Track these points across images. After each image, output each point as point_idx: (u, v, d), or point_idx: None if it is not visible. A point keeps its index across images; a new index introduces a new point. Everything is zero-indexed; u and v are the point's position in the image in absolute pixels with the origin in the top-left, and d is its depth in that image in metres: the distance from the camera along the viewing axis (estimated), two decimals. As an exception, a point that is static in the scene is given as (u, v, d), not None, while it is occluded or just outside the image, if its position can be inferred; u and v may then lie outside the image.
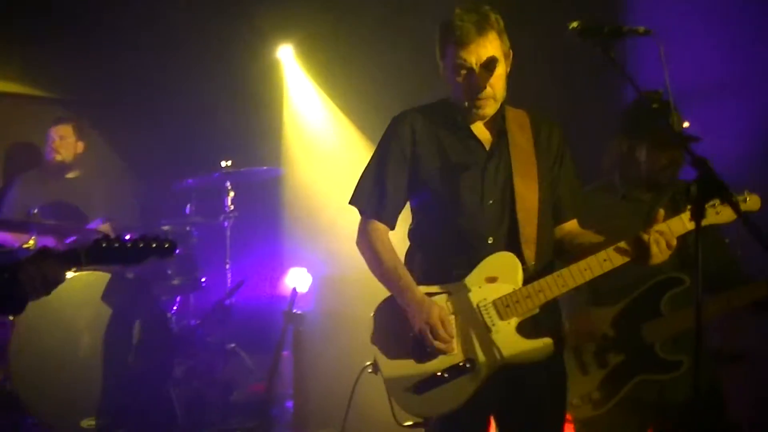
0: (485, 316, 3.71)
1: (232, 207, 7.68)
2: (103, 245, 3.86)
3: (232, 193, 7.68)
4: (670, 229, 3.63)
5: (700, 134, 4.37)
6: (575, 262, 3.74)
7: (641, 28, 3.35)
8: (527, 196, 3.84)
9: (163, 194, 7.99)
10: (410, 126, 3.96)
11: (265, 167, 8.04)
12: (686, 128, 4.64)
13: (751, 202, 3.94)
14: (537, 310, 3.72)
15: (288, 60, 9.03)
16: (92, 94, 8.46)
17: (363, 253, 3.98)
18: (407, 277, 3.80)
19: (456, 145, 3.91)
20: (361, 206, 3.99)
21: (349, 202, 4.02)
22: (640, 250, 3.62)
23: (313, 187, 8.85)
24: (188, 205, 7.68)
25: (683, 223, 3.67)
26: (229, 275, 7.71)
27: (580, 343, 4.41)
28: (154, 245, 3.94)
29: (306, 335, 7.09)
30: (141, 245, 3.92)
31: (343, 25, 8.42)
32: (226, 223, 7.71)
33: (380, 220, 3.94)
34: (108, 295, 6.40)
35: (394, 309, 3.79)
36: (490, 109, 3.86)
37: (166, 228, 7.34)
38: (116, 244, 3.88)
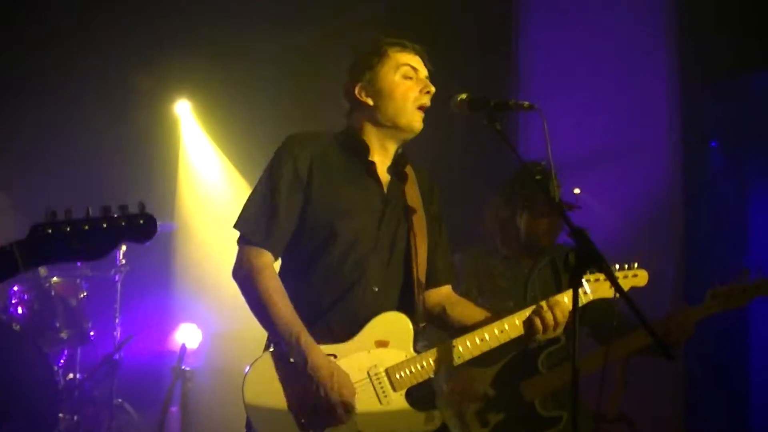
0: (377, 385, 3.47)
1: (123, 261, 7.62)
2: (48, 232, 2.65)
3: (123, 247, 7.61)
4: (559, 304, 3.56)
5: (583, 202, 4.56)
6: (464, 332, 3.62)
7: (526, 103, 3.43)
8: (421, 253, 3.68)
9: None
10: (309, 149, 3.63)
11: (158, 222, 8.01)
12: (577, 194, 4.83)
13: (639, 277, 3.93)
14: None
15: (185, 115, 9.06)
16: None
17: (247, 288, 3.52)
18: (306, 333, 3.40)
19: (353, 180, 3.65)
20: (248, 231, 3.57)
21: (234, 226, 3.59)
22: (530, 325, 3.53)
23: (206, 243, 8.84)
24: (79, 258, 7.57)
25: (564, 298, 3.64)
26: (118, 329, 7.62)
27: (461, 403, 4.49)
28: (124, 223, 2.75)
29: (194, 392, 7.05)
30: (104, 225, 2.72)
31: (239, 83, 8.51)
32: (117, 277, 7.65)
33: (267, 248, 3.54)
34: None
35: (275, 368, 3.44)
36: (420, 123, 3.66)
37: (55, 280, 7.24)
38: (67, 229, 2.65)
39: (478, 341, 3.55)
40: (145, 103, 8.63)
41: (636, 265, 3.94)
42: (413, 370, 3.50)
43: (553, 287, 4.65)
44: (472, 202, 5.29)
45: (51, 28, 8.01)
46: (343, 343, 3.49)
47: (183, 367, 6.91)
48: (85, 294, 7.45)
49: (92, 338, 7.37)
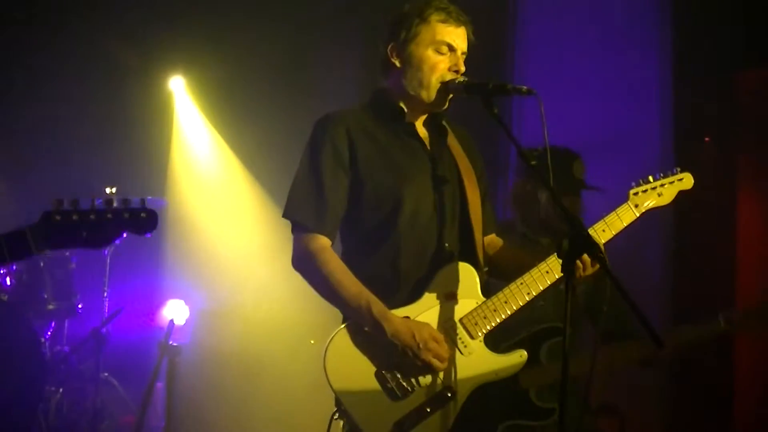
0: (454, 337, 3.50)
1: (113, 235, 7.61)
2: (57, 219, 2.91)
3: (115, 222, 7.60)
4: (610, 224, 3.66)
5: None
6: (515, 269, 3.66)
7: (524, 88, 3.44)
8: (473, 200, 3.69)
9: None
10: (344, 126, 3.59)
11: (149, 197, 8.00)
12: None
13: (685, 179, 3.91)
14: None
15: (179, 91, 9.03)
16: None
17: (311, 275, 3.53)
18: (377, 302, 3.42)
19: (397, 144, 3.64)
20: (300, 219, 3.54)
21: (284, 215, 3.57)
22: None
23: (196, 220, 8.84)
24: (69, 230, 7.57)
25: (631, 211, 3.76)
26: (106, 303, 7.64)
27: None
28: (127, 216, 3.02)
29: (181, 367, 7.05)
30: (109, 216, 2.98)
31: (234, 60, 8.48)
32: (106, 251, 7.65)
33: (321, 233, 3.52)
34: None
35: (354, 344, 3.44)
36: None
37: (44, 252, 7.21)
38: (75, 217, 2.92)
39: (544, 272, 3.58)
40: (138, 79, 8.59)
41: (678, 169, 3.92)
42: (487, 315, 3.54)
43: None
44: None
45: (44, 3, 7.97)
46: (413, 304, 3.50)
47: (170, 343, 6.92)
48: (73, 267, 7.45)
49: (80, 311, 7.38)
